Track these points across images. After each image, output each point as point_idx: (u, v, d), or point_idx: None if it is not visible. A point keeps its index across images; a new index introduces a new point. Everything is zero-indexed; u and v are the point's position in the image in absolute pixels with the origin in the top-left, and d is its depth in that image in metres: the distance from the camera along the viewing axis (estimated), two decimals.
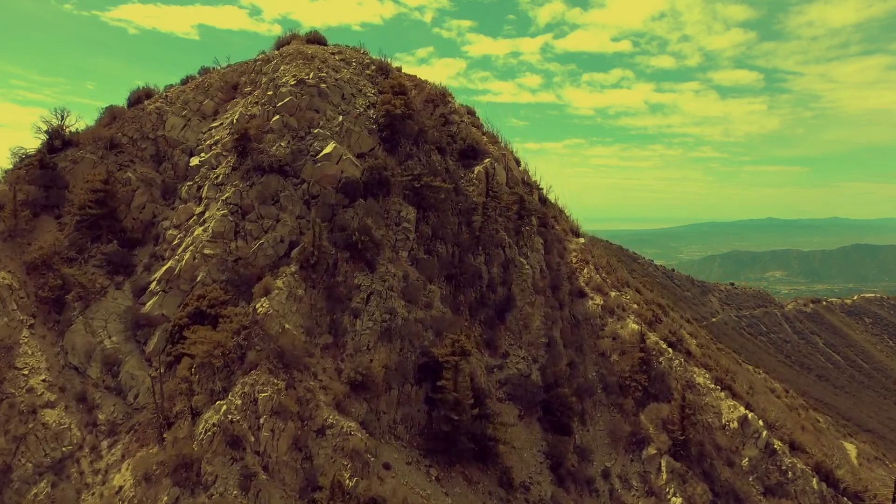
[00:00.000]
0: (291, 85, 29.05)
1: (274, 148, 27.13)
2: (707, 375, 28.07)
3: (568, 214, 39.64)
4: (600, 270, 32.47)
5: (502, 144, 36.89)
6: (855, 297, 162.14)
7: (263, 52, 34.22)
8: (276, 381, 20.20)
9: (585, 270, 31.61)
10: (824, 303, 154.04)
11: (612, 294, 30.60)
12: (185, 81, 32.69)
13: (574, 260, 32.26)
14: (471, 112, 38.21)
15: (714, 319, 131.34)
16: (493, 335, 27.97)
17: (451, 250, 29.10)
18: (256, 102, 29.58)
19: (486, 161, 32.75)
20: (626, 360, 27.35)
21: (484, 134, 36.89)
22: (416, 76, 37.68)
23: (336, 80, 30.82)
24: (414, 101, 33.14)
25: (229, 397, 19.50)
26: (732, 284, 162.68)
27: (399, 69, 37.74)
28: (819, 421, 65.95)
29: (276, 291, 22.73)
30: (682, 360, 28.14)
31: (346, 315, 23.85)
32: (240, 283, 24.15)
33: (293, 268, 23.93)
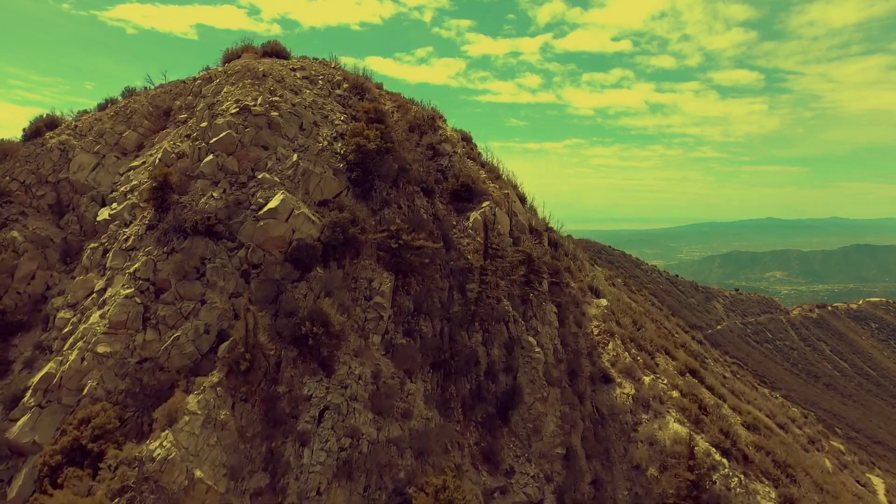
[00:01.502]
0: (232, 114, 22.35)
1: (203, 200, 20.44)
2: (773, 494, 21.46)
3: (584, 260, 32.98)
4: (628, 344, 25.80)
5: (505, 178, 30.23)
6: (860, 302, 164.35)
7: (208, 68, 27.53)
8: None
9: (611, 345, 24.95)
10: (830, 308, 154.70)
11: (647, 380, 23.91)
12: (102, 107, 25.95)
13: (596, 331, 25.59)
14: (466, 138, 31.55)
15: (719, 327, 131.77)
16: (494, 443, 21.30)
17: (438, 328, 22.44)
18: (188, 136, 22.92)
19: (484, 205, 26.09)
20: (670, 479, 20.71)
21: (482, 167, 30.26)
22: (399, 95, 31.09)
23: (293, 105, 24.14)
24: (395, 128, 26.52)
25: None
26: (737, 290, 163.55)
27: (380, 86, 31.13)
28: (843, 452, 60.40)
29: (187, 419, 16.02)
30: (741, 475, 21.51)
31: (290, 443, 17.17)
32: (145, 397, 17.49)
33: (216, 376, 17.23)
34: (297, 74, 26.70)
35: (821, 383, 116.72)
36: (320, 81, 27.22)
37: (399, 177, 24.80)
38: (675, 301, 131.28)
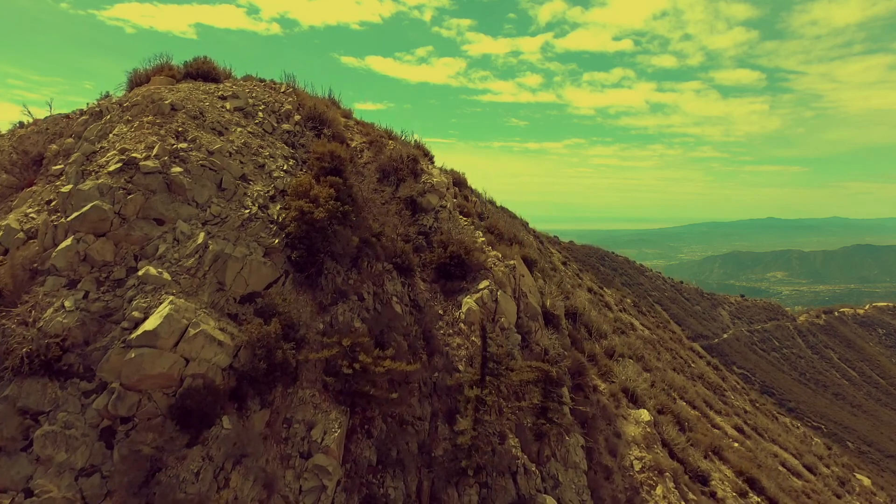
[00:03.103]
0: (110, 172, 15.11)
1: (48, 313, 13.20)
2: None
3: (612, 334, 25.68)
4: (681, 482, 18.53)
5: (509, 240, 22.87)
6: (867, 307, 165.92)
7: (107, 95, 20.25)
8: None
9: (660, 489, 17.71)
10: (836, 313, 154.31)
11: None
12: None
13: (638, 465, 18.35)
14: (459, 182, 24.26)
15: (725, 335, 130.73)
16: None
17: (415, 485, 15.24)
18: (47, 203, 15.69)
19: (482, 287, 18.86)
20: None
21: (480, 219, 22.99)
22: (373, 126, 23.85)
23: (210, 152, 16.90)
24: (361, 176, 19.34)
25: None
26: (743, 296, 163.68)
27: (348, 114, 23.92)
28: (873, 492, 54.82)
29: None
30: None
31: None
32: None
33: None
34: (227, 105, 19.45)
35: (829, 393, 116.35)
36: (260, 114, 19.98)
37: (362, 252, 17.60)
38: (680, 309, 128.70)
